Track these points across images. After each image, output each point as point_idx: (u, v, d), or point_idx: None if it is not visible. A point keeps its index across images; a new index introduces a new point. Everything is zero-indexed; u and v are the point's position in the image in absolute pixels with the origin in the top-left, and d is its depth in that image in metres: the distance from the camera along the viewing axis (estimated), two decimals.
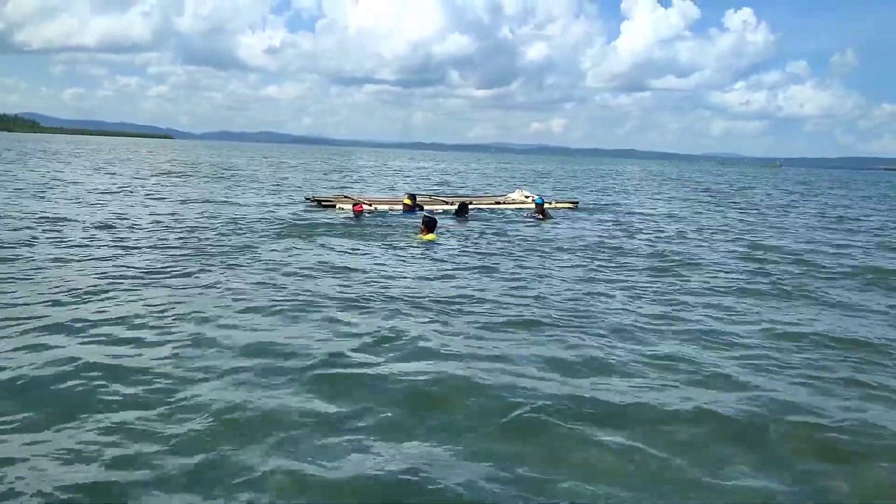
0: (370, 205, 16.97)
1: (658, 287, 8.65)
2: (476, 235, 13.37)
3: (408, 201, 17.22)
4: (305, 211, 16.81)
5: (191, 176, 30.42)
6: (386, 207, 17.35)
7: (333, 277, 8.43)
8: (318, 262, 9.39)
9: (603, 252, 11.62)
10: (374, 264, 9.49)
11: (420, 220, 12.87)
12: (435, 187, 29.54)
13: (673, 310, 7.39)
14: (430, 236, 12.38)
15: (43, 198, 16.98)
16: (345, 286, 7.88)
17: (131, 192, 20.30)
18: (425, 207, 17.22)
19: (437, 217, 13.46)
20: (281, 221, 14.05)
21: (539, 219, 16.60)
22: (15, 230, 11.16)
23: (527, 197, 21.20)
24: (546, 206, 18.05)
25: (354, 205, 16.04)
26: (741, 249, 12.65)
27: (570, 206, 21.34)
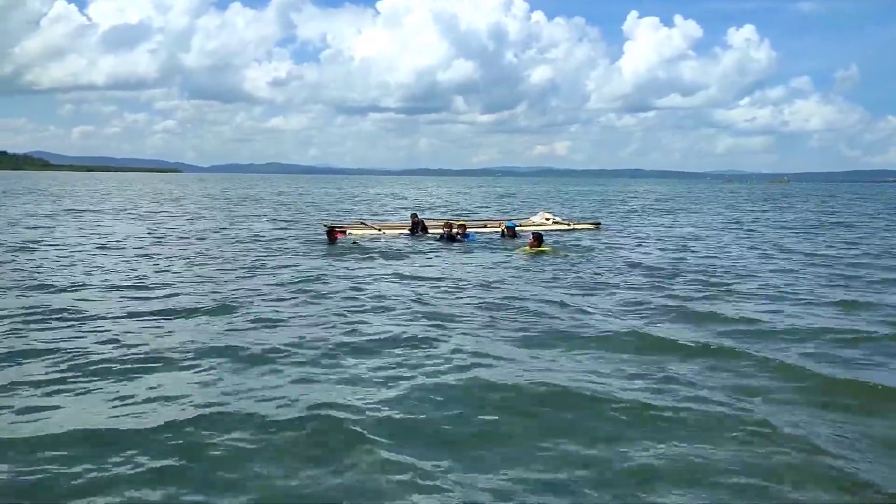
0: (344, 233, 16.46)
1: None
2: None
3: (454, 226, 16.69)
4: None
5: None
6: (397, 232, 17.26)
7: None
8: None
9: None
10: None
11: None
12: (468, 213, 29.37)
13: None
14: (544, 248, 12.59)
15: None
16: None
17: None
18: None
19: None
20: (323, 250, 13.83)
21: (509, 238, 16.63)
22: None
23: (547, 219, 21.00)
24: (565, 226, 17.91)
25: (328, 232, 15.49)
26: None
27: (592, 226, 21.14)
